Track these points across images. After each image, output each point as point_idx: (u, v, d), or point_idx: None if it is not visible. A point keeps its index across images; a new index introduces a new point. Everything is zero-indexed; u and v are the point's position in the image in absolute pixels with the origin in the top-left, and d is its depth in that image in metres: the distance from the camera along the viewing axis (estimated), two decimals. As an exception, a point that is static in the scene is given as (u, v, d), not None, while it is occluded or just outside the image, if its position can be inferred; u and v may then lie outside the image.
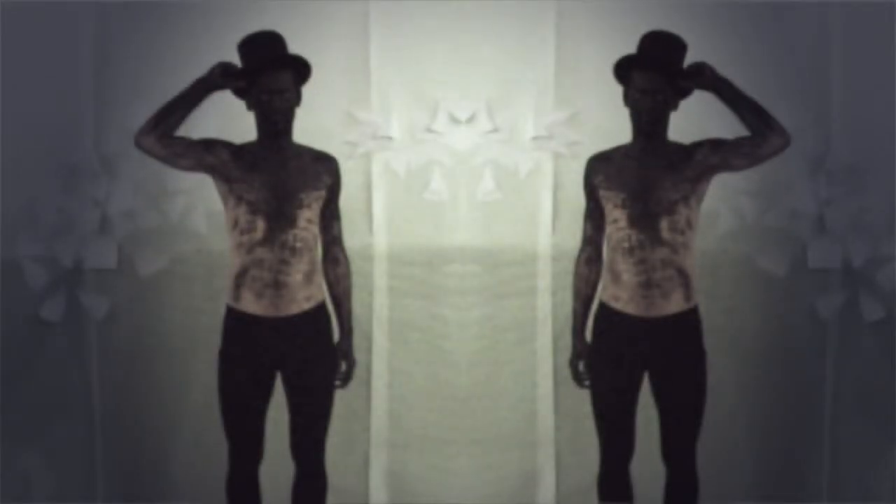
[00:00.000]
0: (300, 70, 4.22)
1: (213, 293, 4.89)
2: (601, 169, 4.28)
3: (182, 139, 4.16)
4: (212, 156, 4.19)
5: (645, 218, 4.20)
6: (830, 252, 5.20)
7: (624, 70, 4.25)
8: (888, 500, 5.17)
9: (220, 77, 4.17)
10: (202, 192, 4.86)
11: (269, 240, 4.17)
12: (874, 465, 5.23)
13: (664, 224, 4.20)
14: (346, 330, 4.37)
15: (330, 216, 4.31)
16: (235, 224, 4.20)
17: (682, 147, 4.25)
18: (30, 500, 5.20)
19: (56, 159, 5.18)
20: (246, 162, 4.19)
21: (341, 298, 4.37)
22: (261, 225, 4.18)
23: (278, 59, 4.20)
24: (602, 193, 4.26)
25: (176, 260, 5.22)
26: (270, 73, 4.17)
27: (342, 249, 4.36)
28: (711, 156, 4.21)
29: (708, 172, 4.23)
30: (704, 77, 4.19)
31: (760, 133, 4.16)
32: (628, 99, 4.24)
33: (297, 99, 4.23)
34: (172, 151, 4.16)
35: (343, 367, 4.36)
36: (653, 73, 4.19)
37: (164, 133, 4.12)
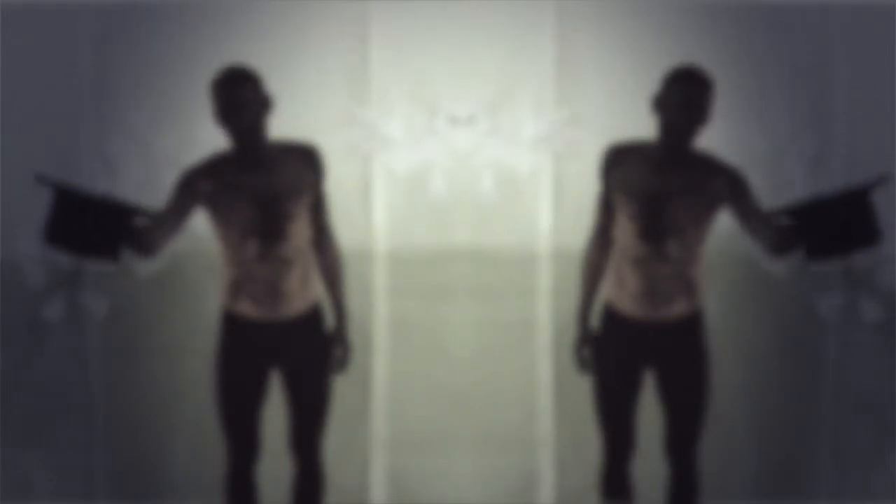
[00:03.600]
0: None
1: (213, 293, 4.88)
2: (619, 167, 4.20)
3: (168, 213, 4.11)
4: (197, 195, 4.12)
5: (654, 234, 4.16)
6: (830, 252, 5.19)
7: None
8: (888, 500, 5.17)
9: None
10: (202, 192, 4.86)
11: (262, 256, 4.14)
12: (874, 465, 5.23)
13: (673, 242, 4.16)
14: (340, 315, 4.38)
15: (316, 207, 4.27)
16: (226, 241, 4.17)
17: (704, 166, 4.15)
18: (30, 500, 5.20)
19: (56, 159, 5.17)
20: (228, 186, 4.10)
21: (334, 284, 4.36)
22: (253, 244, 4.13)
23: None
24: (614, 195, 4.23)
25: (176, 260, 5.22)
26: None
27: (331, 237, 4.33)
28: (727, 196, 4.13)
29: (719, 203, 4.18)
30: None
31: (773, 241, 4.07)
32: (660, 107, 4.10)
33: (263, 107, 4.08)
34: (171, 229, 4.12)
35: (338, 353, 4.37)
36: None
37: (151, 237, 4.05)
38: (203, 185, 4.12)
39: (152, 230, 4.06)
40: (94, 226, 4.01)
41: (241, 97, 4.01)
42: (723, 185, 4.13)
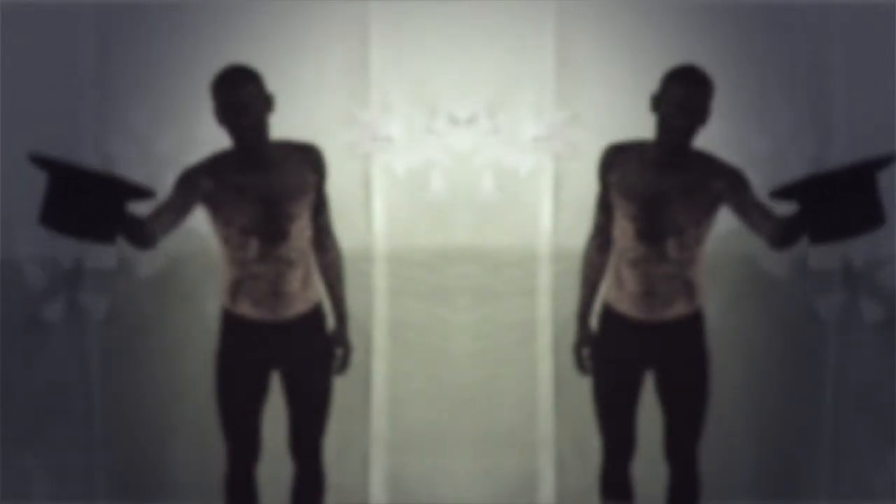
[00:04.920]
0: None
1: (213, 294, 4.88)
2: (618, 166, 4.19)
3: (167, 206, 4.07)
4: (197, 193, 4.11)
5: (652, 235, 4.15)
6: (830, 252, 5.19)
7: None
8: (888, 499, 5.17)
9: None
10: (202, 192, 4.86)
11: (263, 257, 4.13)
12: (874, 465, 5.22)
13: (672, 243, 4.16)
14: (341, 315, 4.37)
15: (317, 206, 4.26)
16: (227, 241, 4.16)
17: (704, 165, 4.14)
18: (30, 500, 5.19)
19: (56, 159, 5.17)
20: (230, 185, 4.10)
21: (334, 284, 4.35)
22: (254, 244, 4.13)
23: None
24: (613, 194, 4.23)
25: (176, 260, 5.22)
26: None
27: (331, 236, 4.33)
28: (727, 194, 4.12)
29: (719, 203, 4.18)
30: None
31: (774, 232, 4.02)
32: (659, 108, 4.09)
33: (265, 106, 4.08)
34: (171, 223, 4.08)
35: (339, 353, 4.36)
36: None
37: (149, 228, 3.99)
38: (204, 182, 4.11)
39: (151, 222, 4.03)
40: (92, 205, 3.82)
41: (242, 96, 4.01)
42: (722, 184, 4.13)
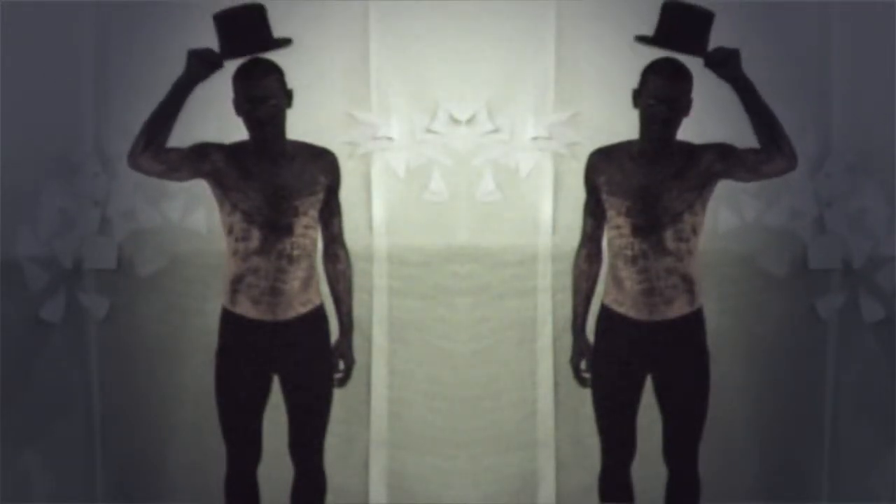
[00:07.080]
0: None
1: (213, 293, 4.87)
2: (604, 168, 4.23)
3: (176, 151, 4.09)
4: (207, 163, 4.14)
5: (649, 228, 4.16)
6: (830, 252, 5.20)
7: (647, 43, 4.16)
8: (888, 500, 5.17)
9: (198, 68, 4.06)
10: (202, 191, 4.85)
11: (265, 249, 4.14)
12: (874, 465, 5.23)
13: (668, 234, 4.16)
14: (346, 328, 4.33)
15: (329, 213, 4.27)
16: (231, 231, 4.17)
17: (689, 149, 4.18)
18: (30, 500, 5.19)
19: (56, 159, 5.17)
20: (240, 168, 4.13)
21: (341, 296, 4.33)
22: (256, 234, 4.13)
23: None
24: (604, 196, 4.23)
25: (176, 260, 5.22)
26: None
27: (343, 246, 4.32)
28: (717, 163, 4.15)
29: (713, 179, 4.20)
30: (728, 68, 4.08)
31: (768, 149, 4.08)
32: (640, 103, 4.13)
33: (286, 101, 4.15)
34: (168, 166, 4.08)
35: (341, 366, 4.33)
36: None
37: (158, 148, 4.03)
38: (215, 155, 4.14)
39: (168, 147, 4.05)
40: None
41: (262, 88, 4.06)
42: (711, 155, 4.15)
